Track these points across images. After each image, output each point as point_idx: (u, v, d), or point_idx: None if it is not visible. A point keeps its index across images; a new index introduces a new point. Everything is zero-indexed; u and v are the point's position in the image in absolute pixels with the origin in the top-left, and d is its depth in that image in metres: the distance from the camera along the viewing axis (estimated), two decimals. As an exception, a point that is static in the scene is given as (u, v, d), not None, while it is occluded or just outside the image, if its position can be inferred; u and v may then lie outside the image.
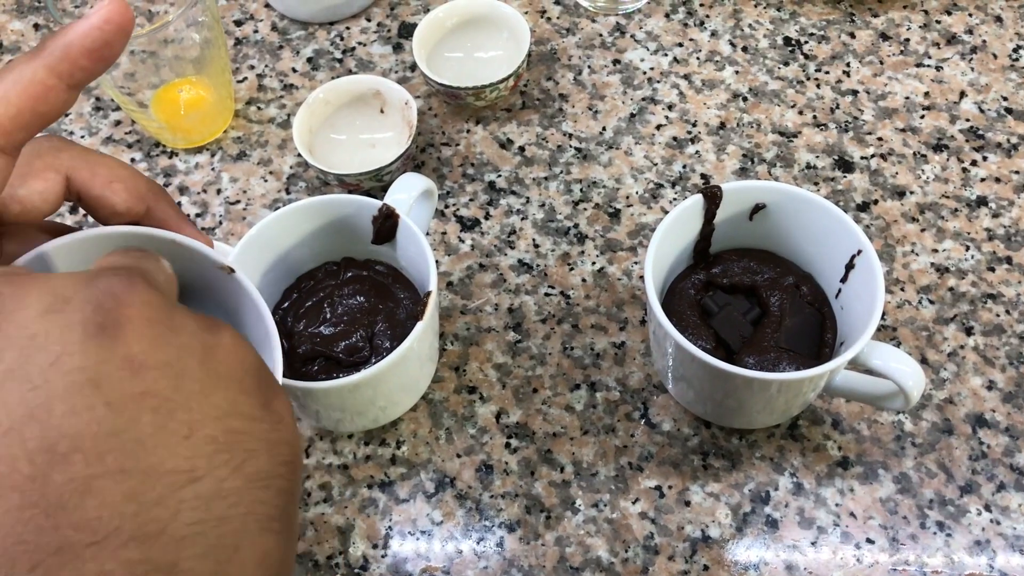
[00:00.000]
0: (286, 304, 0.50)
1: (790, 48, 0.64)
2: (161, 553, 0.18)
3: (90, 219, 0.42)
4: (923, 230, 0.56)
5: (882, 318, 0.44)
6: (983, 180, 0.57)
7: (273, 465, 0.21)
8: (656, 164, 0.59)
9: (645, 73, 0.63)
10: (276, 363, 0.34)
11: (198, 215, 0.59)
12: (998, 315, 0.52)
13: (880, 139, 0.59)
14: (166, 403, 0.19)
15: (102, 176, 0.29)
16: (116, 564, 0.18)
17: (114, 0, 0.24)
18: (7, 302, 0.20)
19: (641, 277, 0.54)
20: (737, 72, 0.63)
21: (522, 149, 0.60)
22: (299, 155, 0.60)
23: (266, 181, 0.60)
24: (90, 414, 0.18)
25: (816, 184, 0.58)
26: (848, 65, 0.63)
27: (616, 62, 0.64)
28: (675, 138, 0.60)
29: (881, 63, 0.63)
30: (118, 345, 0.19)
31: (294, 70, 0.65)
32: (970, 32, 0.64)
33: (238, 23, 0.68)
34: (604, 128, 0.61)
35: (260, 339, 0.35)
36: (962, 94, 0.61)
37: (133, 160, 0.61)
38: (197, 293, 0.36)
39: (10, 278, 0.20)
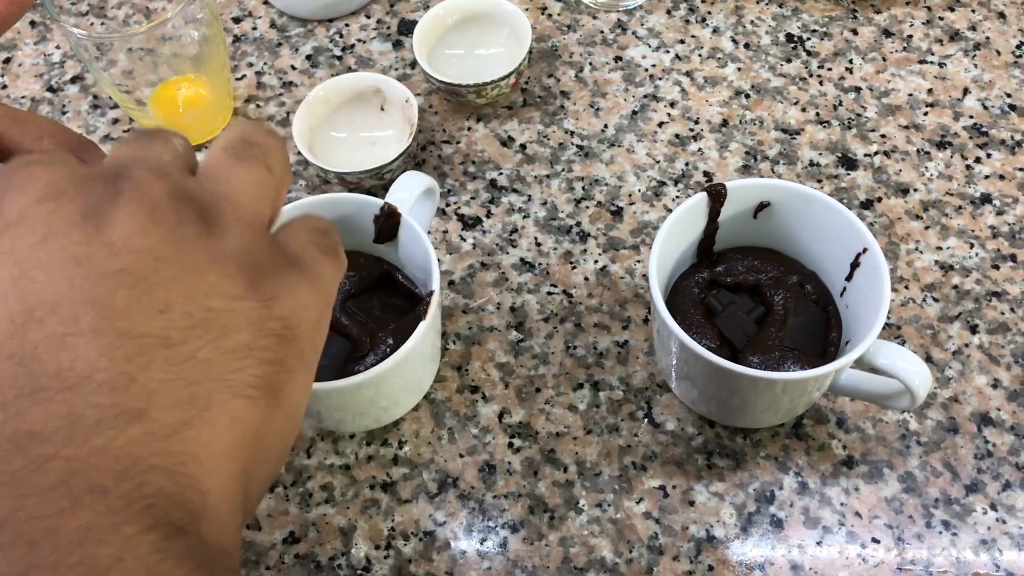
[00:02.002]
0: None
1: (792, 45, 0.64)
2: (131, 400, 0.20)
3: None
4: (927, 228, 0.55)
5: (886, 316, 0.44)
6: (987, 177, 0.57)
7: (255, 338, 0.22)
8: (658, 162, 0.59)
9: (647, 70, 0.63)
10: None
11: (197, 214, 0.58)
12: (1003, 313, 0.52)
13: (883, 136, 0.59)
14: (142, 281, 0.21)
15: (31, 132, 0.32)
16: (86, 407, 0.20)
17: None
18: (10, 189, 0.22)
19: (644, 275, 0.54)
20: (739, 69, 0.63)
21: (523, 147, 0.60)
22: (299, 153, 0.59)
23: (266, 179, 0.59)
24: (67, 285, 0.21)
25: (819, 182, 0.57)
26: (851, 62, 0.63)
27: (618, 59, 0.63)
28: (677, 135, 0.60)
29: (884, 60, 0.63)
30: (101, 232, 0.21)
31: (293, 67, 0.65)
32: (973, 29, 0.64)
33: (236, 20, 0.67)
34: (606, 125, 0.60)
35: None
36: (965, 91, 0.61)
37: (131, 158, 0.61)
38: None
39: (22, 166, 0.23)
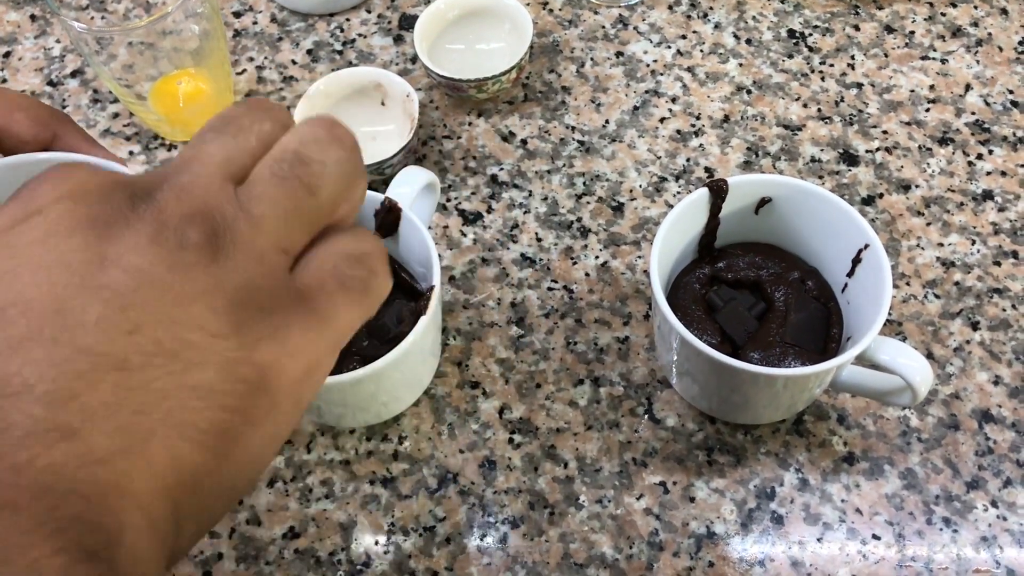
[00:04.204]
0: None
1: (794, 41, 0.63)
2: (66, 417, 0.19)
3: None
4: (928, 224, 0.55)
5: (888, 313, 0.44)
6: (989, 174, 0.57)
7: (221, 381, 0.21)
8: (660, 157, 0.58)
9: (648, 65, 0.63)
10: None
11: (197, 208, 0.58)
12: (1004, 310, 0.52)
13: (885, 132, 0.59)
14: (119, 298, 0.20)
15: (2, 108, 0.30)
16: (20, 416, 0.19)
17: None
18: (46, 181, 0.22)
19: (645, 271, 0.54)
20: (741, 65, 0.62)
21: (524, 142, 0.60)
22: (299, 148, 0.59)
23: (266, 174, 0.59)
24: (48, 288, 0.20)
25: (821, 178, 0.57)
26: (853, 58, 0.62)
27: (619, 54, 0.63)
28: (679, 131, 0.60)
29: (886, 56, 0.62)
30: (100, 243, 0.21)
31: (294, 62, 0.64)
32: (975, 24, 0.64)
33: (237, 14, 0.67)
34: (607, 121, 0.60)
35: None
36: (967, 87, 0.61)
37: (132, 153, 0.61)
38: None
39: (70, 164, 0.22)
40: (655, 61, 0.63)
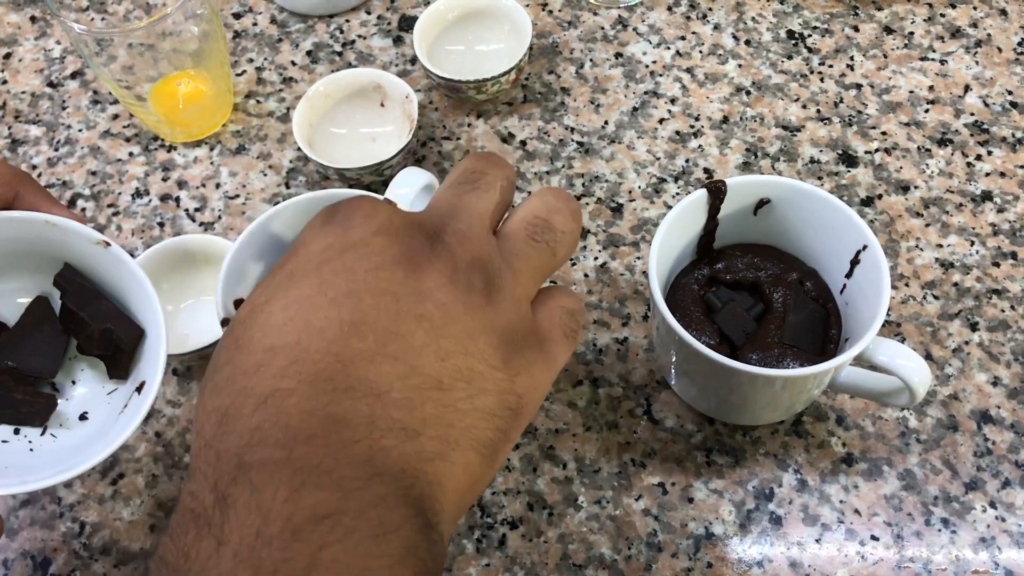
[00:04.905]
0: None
1: (793, 42, 0.63)
2: (412, 421, 0.25)
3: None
4: (927, 225, 0.55)
5: (887, 314, 0.44)
6: (988, 175, 0.57)
7: (497, 407, 0.26)
8: (659, 158, 0.59)
9: (647, 67, 0.63)
10: (158, 324, 0.38)
11: (197, 209, 0.58)
12: (1003, 311, 0.52)
13: (884, 133, 0.59)
14: (435, 328, 0.26)
15: None
16: (383, 414, 0.24)
17: None
18: (356, 214, 0.27)
19: (644, 272, 0.54)
20: (740, 66, 0.62)
21: (524, 143, 0.60)
22: (299, 149, 0.59)
23: (265, 175, 0.59)
24: (385, 313, 0.25)
25: (820, 178, 0.57)
26: (852, 59, 0.62)
27: (618, 55, 0.63)
28: (678, 132, 0.60)
29: (885, 57, 0.62)
30: (415, 278, 0.26)
31: (293, 63, 0.64)
32: (974, 25, 0.64)
33: (237, 16, 0.67)
34: (606, 122, 0.60)
35: (141, 304, 0.38)
36: (966, 88, 0.61)
37: (131, 154, 0.61)
38: (79, 269, 0.39)
39: (365, 198, 0.28)
40: (654, 62, 0.63)
